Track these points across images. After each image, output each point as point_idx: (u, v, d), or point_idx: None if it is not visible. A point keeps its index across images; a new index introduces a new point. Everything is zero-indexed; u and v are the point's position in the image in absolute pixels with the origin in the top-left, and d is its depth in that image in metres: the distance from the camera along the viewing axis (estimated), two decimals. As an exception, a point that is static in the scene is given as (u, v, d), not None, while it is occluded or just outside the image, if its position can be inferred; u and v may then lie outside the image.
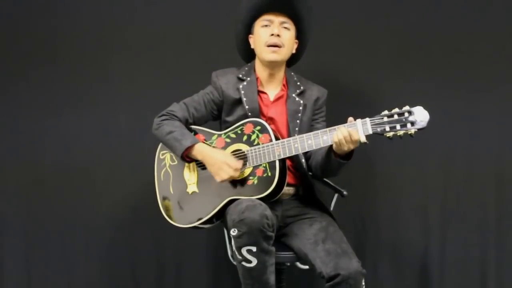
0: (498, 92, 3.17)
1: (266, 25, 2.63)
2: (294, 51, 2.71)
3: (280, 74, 2.70)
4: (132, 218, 3.23)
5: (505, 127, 3.17)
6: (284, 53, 2.64)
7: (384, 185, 3.22)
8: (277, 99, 2.68)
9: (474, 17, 3.18)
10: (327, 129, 2.43)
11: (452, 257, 3.17)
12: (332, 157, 2.46)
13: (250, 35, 2.71)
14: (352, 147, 2.38)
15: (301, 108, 2.66)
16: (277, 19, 2.62)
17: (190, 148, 2.56)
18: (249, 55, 2.75)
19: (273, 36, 2.60)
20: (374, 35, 3.21)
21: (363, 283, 2.37)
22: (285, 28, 2.63)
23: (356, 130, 2.35)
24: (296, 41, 2.70)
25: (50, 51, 3.25)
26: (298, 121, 2.65)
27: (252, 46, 2.71)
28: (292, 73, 2.74)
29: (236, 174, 2.50)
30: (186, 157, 2.59)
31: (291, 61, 2.75)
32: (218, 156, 2.53)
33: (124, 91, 3.24)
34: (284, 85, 2.71)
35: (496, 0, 3.18)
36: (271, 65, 2.66)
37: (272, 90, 2.70)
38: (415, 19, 3.20)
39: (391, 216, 3.20)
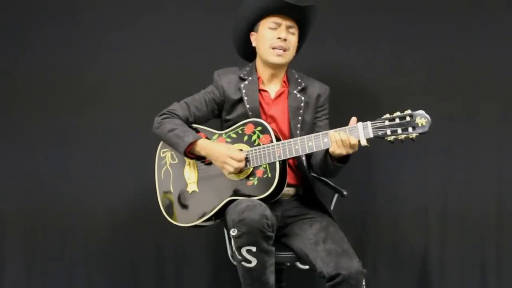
0: (498, 93, 3.16)
1: (273, 28, 2.62)
2: None
3: (282, 73, 2.70)
4: (132, 217, 3.23)
5: (505, 128, 3.17)
6: (288, 56, 2.64)
7: (384, 186, 3.22)
8: (278, 96, 2.68)
9: (475, 17, 3.17)
10: (328, 131, 2.41)
11: (452, 257, 3.17)
12: (328, 160, 2.44)
13: (252, 33, 2.69)
14: (350, 151, 2.36)
15: (302, 104, 2.65)
16: (284, 23, 2.61)
17: (192, 144, 2.56)
18: (247, 52, 2.73)
19: (280, 39, 2.59)
20: (376, 34, 3.21)
21: (364, 283, 2.37)
22: (291, 33, 2.62)
23: (354, 136, 2.33)
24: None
25: (48, 50, 3.26)
26: (300, 117, 2.64)
27: (253, 44, 2.69)
28: (293, 71, 2.73)
29: (241, 165, 2.49)
30: (189, 153, 2.58)
31: None
32: (221, 150, 2.52)
33: (124, 90, 3.24)
34: (284, 82, 2.70)
35: (497, 1, 3.18)
36: (275, 67, 2.65)
37: (273, 87, 2.69)
38: (417, 19, 3.19)
39: (391, 216, 3.20)
